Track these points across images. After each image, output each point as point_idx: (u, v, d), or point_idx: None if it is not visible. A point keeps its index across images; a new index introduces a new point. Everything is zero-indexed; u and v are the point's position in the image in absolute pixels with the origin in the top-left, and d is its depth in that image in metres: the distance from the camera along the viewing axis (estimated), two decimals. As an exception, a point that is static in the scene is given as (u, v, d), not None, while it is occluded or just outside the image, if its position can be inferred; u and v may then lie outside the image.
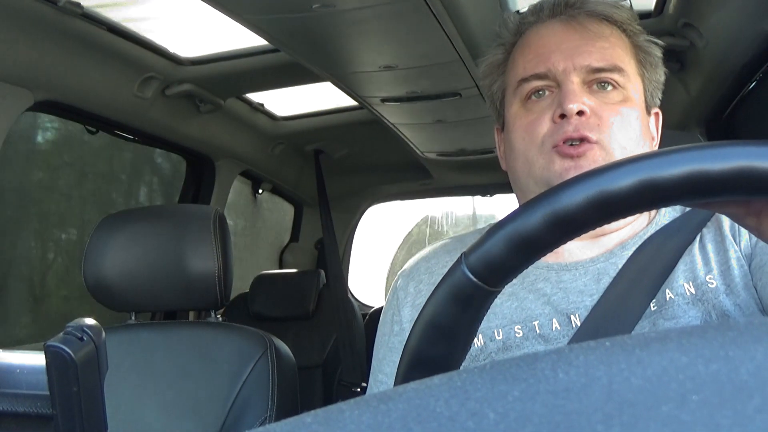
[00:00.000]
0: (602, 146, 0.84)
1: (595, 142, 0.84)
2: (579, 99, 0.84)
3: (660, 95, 0.96)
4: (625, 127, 0.86)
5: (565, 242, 0.44)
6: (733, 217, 0.52)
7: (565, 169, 0.84)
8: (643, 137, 0.89)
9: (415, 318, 0.50)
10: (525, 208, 0.44)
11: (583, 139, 0.84)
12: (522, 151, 0.90)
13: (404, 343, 0.94)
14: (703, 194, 0.41)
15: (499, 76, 0.98)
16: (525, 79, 0.90)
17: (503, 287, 0.47)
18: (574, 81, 0.86)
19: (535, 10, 0.95)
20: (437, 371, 0.49)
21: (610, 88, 0.88)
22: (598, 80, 0.87)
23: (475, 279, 0.46)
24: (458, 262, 0.47)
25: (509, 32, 0.97)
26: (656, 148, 0.95)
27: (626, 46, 0.91)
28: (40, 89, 1.72)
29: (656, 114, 0.97)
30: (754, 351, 0.21)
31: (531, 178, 0.89)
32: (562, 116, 0.85)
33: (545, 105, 0.88)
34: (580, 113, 0.84)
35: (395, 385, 0.52)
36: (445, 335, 0.49)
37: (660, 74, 0.95)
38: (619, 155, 0.84)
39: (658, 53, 0.94)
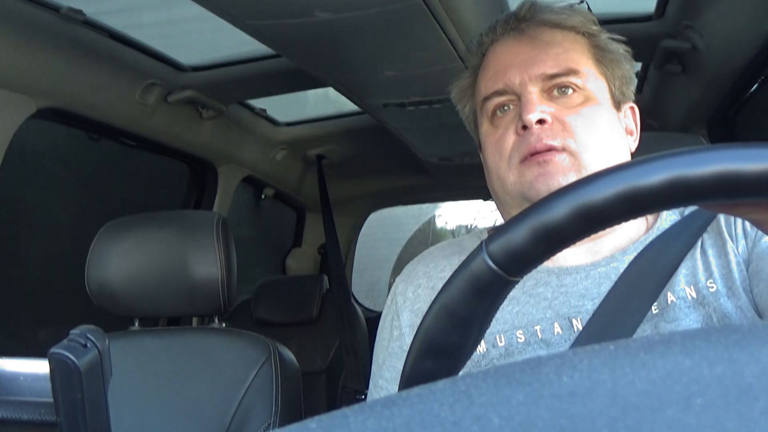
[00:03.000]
0: (569, 151, 0.85)
1: (561, 150, 0.85)
2: (536, 108, 0.86)
3: (633, 89, 0.97)
4: (590, 127, 0.87)
5: (589, 235, 0.44)
6: (757, 223, 0.52)
7: (535, 177, 0.85)
8: (612, 134, 0.89)
9: (418, 315, 0.50)
10: (552, 198, 0.44)
11: (549, 150, 0.85)
12: (494, 168, 0.93)
13: (404, 346, 0.93)
14: (735, 194, 0.40)
15: (470, 99, 1.01)
16: (487, 98, 0.93)
17: (522, 277, 0.47)
18: (532, 91, 0.88)
19: (490, 30, 0.98)
20: (448, 360, 0.49)
21: (570, 91, 0.89)
22: (556, 86, 0.89)
23: (494, 267, 0.45)
24: (478, 249, 0.46)
25: (474, 56, 1.00)
26: (636, 142, 0.96)
27: (582, 48, 0.92)
28: (42, 97, 1.72)
29: (631, 108, 0.97)
30: (758, 353, 0.21)
31: (506, 194, 0.92)
32: (525, 128, 0.87)
33: (509, 119, 0.90)
34: (541, 122, 0.86)
35: (404, 372, 0.52)
36: (459, 323, 0.48)
37: (626, 69, 0.95)
38: (587, 157, 0.85)
39: (620, 49, 0.94)
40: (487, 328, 0.50)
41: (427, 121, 2.34)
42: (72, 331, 0.68)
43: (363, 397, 2.61)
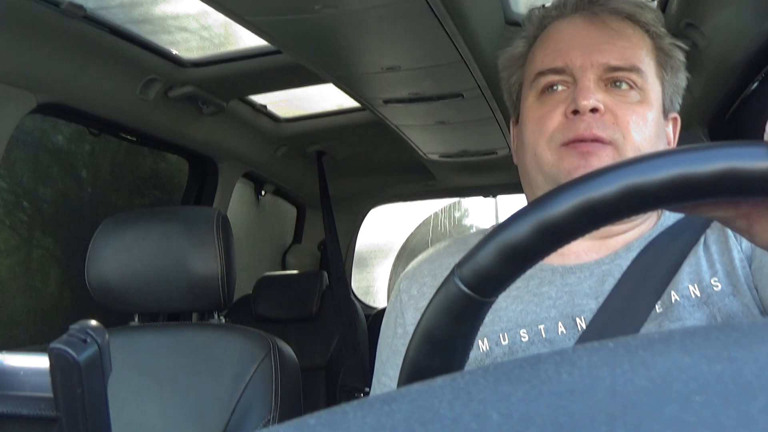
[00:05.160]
0: (616, 146, 0.83)
1: (608, 143, 0.83)
2: (593, 96, 0.83)
3: (680, 100, 0.94)
4: (641, 128, 0.84)
5: (555, 250, 0.44)
6: (723, 221, 0.52)
7: (574, 167, 0.83)
8: (657, 140, 0.87)
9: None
10: (514, 218, 0.44)
11: (594, 140, 0.83)
12: (531, 145, 0.89)
13: (408, 344, 0.93)
14: (689, 197, 0.41)
15: (518, 68, 0.97)
16: (542, 73, 0.90)
17: (497, 297, 0.47)
18: (590, 78, 0.85)
19: (558, 5, 0.94)
20: None
21: (626, 87, 0.86)
22: (614, 79, 0.86)
23: (467, 290, 0.46)
24: (451, 273, 0.47)
25: (532, 25, 0.96)
26: None
27: (648, 47, 0.89)
28: (42, 92, 1.72)
29: (674, 119, 0.95)
30: (757, 351, 0.21)
31: (540, 174, 0.89)
32: (575, 112, 0.84)
33: (559, 99, 0.87)
34: (594, 110, 0.83)
35: None
36: (441, 347, 0.48)
37: (681, 79, 0.93)
38: (630, 155, 0.82)
39: (681, 57, 0.92)
40: (470, 348, 0.50)
41: (428, 118, 2.34)
42: (72, 326, 0.68)
43: (362, 394, 2.61)
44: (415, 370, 0.50)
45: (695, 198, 0.41)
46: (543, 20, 0.95)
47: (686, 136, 1.24)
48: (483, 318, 0.48)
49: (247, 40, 1.94)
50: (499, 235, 0.44)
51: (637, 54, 0.87)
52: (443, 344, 0.48)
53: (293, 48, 1.72)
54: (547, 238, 0.43)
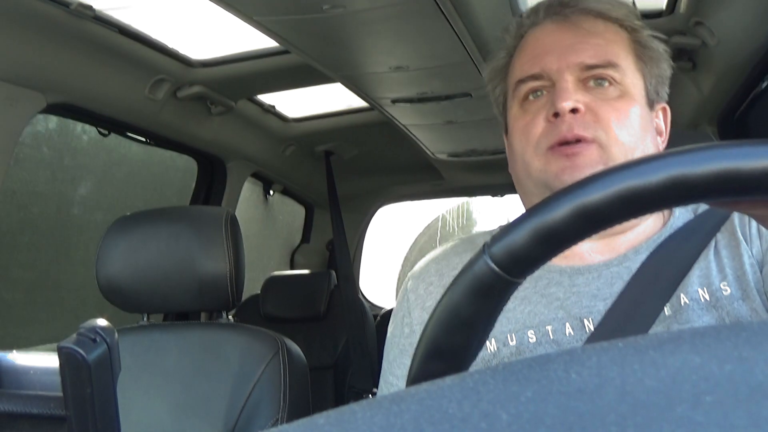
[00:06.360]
0: (600, 144, 0.84)
1: (591, 141, 0.84)
2: (571, 97, 0.84)
3: (666, 90, 0.95)
4: (623, 123, 0.85)
5: (590, 235, 0.44)
6: (760, 219, 0.51)
7: (561, 169, 0.84)
8: (643, 133, 0.88)
9: (430, 313, 0.50)
10: (552, 199, 0.44)
11: (578, 140, 0.84)
12: (520, 153, 0.90)
13: (415, 343, 0.93)
14: (735, 192, 0.40)
15: (502, 80, 0.99)
16: (522, 81, 0.91)
17: (525, 278, 0.46)
18: (568, 80, 0.86)
19: (531, 13, 0.96)
20: (453, 362, 0.49)
21: (606, 84, 0.87)
22: (593, 77, 0.87)
23: (497, 269, 0.45)
24: (480, 251, 0.46)
25: (511, 36, 0.98)
26: (665, 144, 0.94)
27: (623, 41, 0.90)
28: (52, 92, 1.73)
29: (663, 109, 0.95)
30: (768, 352, 0.21)
31: (530, 179, 0.90)
32: (556, 115, 0.85)
33: (540, 105, 0.88)
34: (574, 111, 0.84)
35: (410, 374, 0.52)
36: (463, 325, 0.48)
37: (664, 68, 0.93)
38: (617, 152, 0.84)
39: (660, 48, 0.92)
40: (491, 330, 0.50)
41: (436, 118, 2.34)
42: (81, 326, 0.68)
43: (370, 395, 2.61)
44: (432, 347, 0.49)
45: (742, 194, 0.40)
46: (519, 30, 0.97)
47: (695, 135, 1.23)
48: (507, 299, 0.47)
49: (255, 40, 1.94)
50: (535, 216, 0.44)
51: (611, 49, 0.88)
52: (464, 322, 0.48)
53: (301, 48, 1.72)
54: (585, 222, 0.42)
